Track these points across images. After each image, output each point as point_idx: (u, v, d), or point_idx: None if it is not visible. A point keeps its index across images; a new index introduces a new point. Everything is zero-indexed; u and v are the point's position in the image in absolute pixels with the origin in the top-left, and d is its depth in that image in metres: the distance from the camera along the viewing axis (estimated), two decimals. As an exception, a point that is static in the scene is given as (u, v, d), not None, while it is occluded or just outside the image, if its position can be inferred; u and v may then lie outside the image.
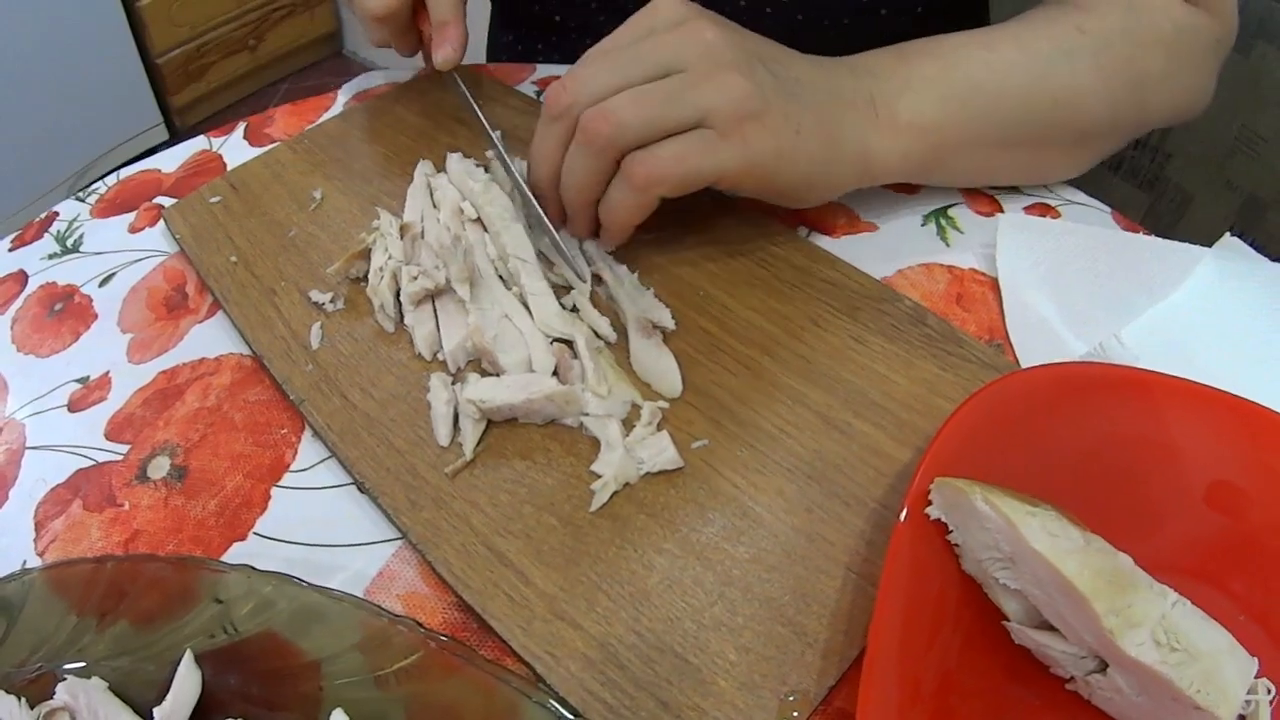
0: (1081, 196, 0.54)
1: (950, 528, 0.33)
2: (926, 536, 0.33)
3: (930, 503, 0.33)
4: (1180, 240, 0.49)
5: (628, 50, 0.45)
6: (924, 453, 0.34)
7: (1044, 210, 0.53)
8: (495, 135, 0.54)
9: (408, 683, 0.32)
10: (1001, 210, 0.53)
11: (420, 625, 0.34)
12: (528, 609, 0.35)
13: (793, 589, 0.35)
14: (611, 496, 0.39)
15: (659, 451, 0.39)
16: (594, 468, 0.40)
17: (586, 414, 0.41)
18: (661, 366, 0.43)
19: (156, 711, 0.32)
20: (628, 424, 0.41)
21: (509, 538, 0.38)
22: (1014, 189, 0.54)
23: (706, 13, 0.45)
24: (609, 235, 0.47)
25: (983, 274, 0.49)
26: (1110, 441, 0.37)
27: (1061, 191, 0.54)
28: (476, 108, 0.55)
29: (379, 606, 0.34)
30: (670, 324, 0.45)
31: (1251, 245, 0.50)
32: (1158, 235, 0.50)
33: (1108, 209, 0.53)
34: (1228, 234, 0.49)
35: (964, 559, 0.33)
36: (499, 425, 0.42)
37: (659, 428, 0.41)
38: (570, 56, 0.74)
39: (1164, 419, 0.37)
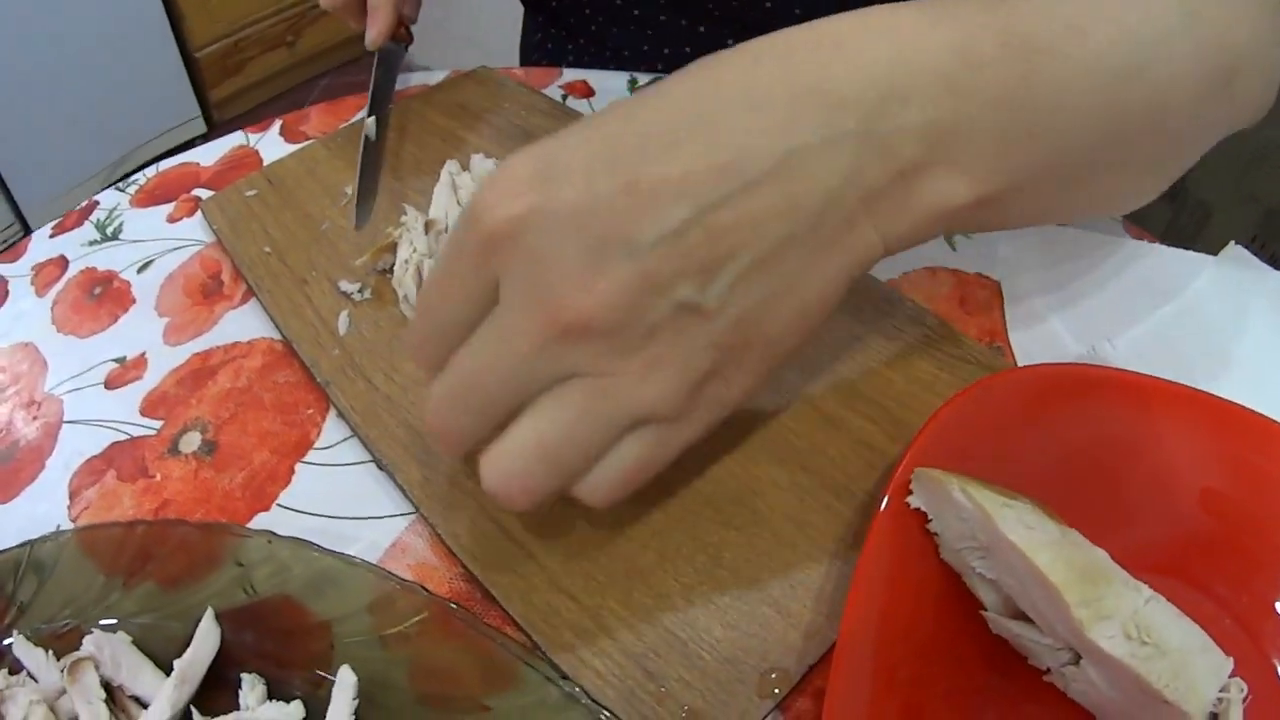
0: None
1: (930, 517, 0.35)
2: (907, 525, 0.35)
3: (911, 492, 0.35)
4: (1199, 253, 0.50)
5: (484, 350, 0.32)
6: (910, 442, 0.37)
7: (1053, 218, 0.55)
8: (370, 120, 0.62)
9: (412, 643, 0.35)
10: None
11: (426, 590, 0.37)
12: (528, 581, 0.38)
13: (780, 572, 0.38)
14: None
15: None
16: None
17: None
18: None
19: (177, 663, 0.36)
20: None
21: (515, 515, 0.41)
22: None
23: (573, 221, 0.29)
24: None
25: (987, 278, 0.51)
26: (1096, 441, 0.39)
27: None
28: (370, 103, 0.65)
29: (389, 572, 0.38)
30: None
31: (1272, 258, 0.52)
32: (1182, 247, 0.51)
33: (1119, 218, 0.55)
34: (1233, 243, 0.50)
35: (942, 548, 0.35)
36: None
37: None
38: (599, 56, 0.77)
39: (1151, 420, 0.39)
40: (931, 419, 0.38)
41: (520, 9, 0.89)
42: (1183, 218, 0.79)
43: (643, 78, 0.71)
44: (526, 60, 0.90)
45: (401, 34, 0.69)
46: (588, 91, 0.71)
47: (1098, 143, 0.34)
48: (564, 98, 0.70)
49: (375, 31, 0.66)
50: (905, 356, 0.45)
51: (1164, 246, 0.51)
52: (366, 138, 0.62)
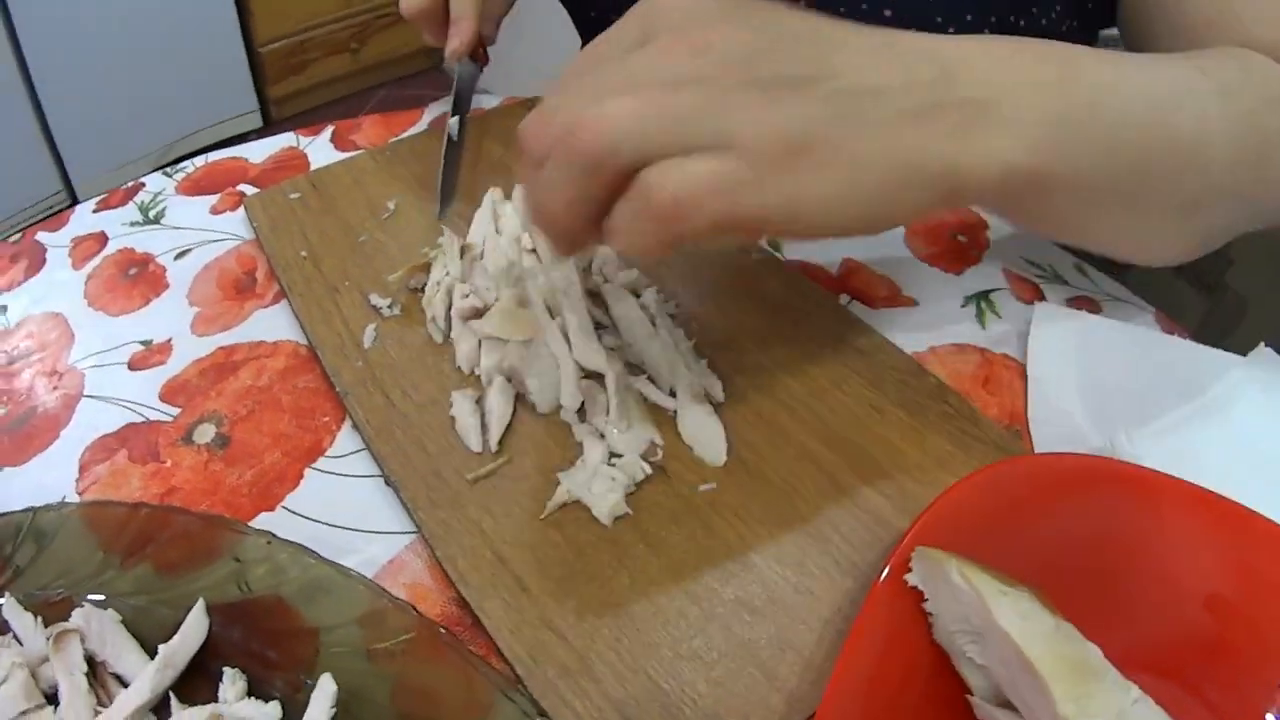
0: (1125, 293, 0.56)
1: (926, 596, 0.35)
2: (903, 601, 0.35)
3: (911, 569, 0.35)
4: (1233, 348, 0.50)
5: (619, 62, 0.36)
6: (915, 520, 0.37)
7: (1086, 304, 0.55)
8: (453, 120, 0.64)
9: (396, 661, 0.36)
10: (1043, 298, 0.55)
11: (417, 610, 0.37)
12: (519, 614, 0.38)
13: (771, 635, 0.38)
14: (562, 508, 0.43)
15: (604, 494, 0.42)
16: (560, 474, 0.44)
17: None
18: (709, 434, 0.46)
19: (162, 648, 0.36)
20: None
21: (514, 546, 0.41)
22: (1059, 279, 0.57)
23: (730, 8, 0.36)
24: (618, 247, 0.37)
25: (1013, 360, 0.51)
26: (1103, 535, 0.39)
27: (1105, 285, 0.57)
28: (453, 105, 0.66)
29: (382, 589, 0.38)
30: (720, 395, 0.47)
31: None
32: (1213, 341, 0.51)
33: (1151, 309, 0.55)
34: (1262, 344, 0.50)
35: (936, 628, 0.35)
36: (525, 445, 0.46)
37: (634, 481, 0.44)
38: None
39: (1161, 519, 0.39)
40: (939, 498, 0.38)
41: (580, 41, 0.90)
42: (1219, 310, 0.79)
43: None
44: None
45: (479, 53, 0.70)
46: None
47: (1123, 160, 0.39)
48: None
49: (457, 43, 0.66)
50: (922, 431, 0.46)
51: (1193, 343, 0.51)
52: (449, 137, 0.64)
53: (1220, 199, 0.43)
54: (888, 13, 0.61)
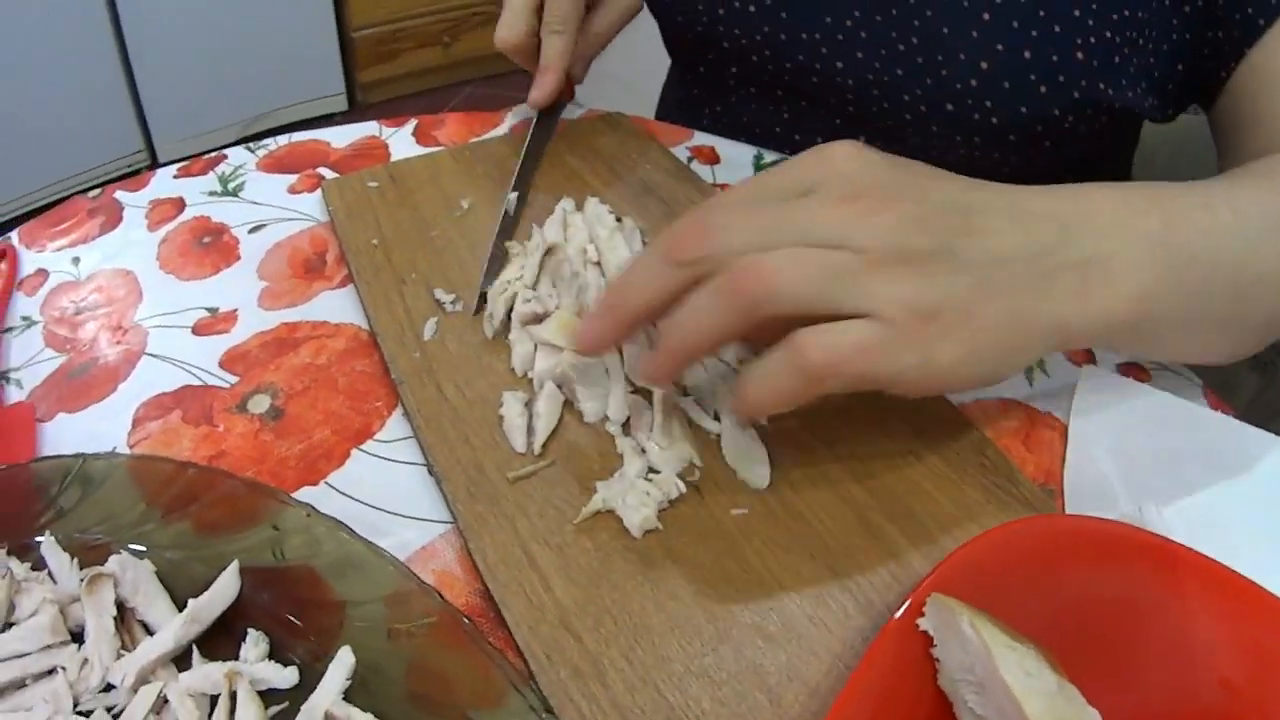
0: (1176, 364, 0.56)
1: (935, 641, 0.36)
2: (912, 644, 0.36)
3: (924, 614, 0.36)
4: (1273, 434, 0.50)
5: (781, 209, 0.40)
6: (935, 567, 0.38)
7: (1135, 371, 0.55)
8: (512, 196, 0.64)
9: (416, 642, 0.37)
10: (1094, 362, 0.55)
11: (441, 596, 0.39)
12: (540, 612, 0.40)
13: (782, 663, 0.39)
14: (595, 516, 0.44)
15: (637, 507, 0.43)
16: (597, 483, 0.45)
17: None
18: (753, 458, 0.47)
19: (192, 602, 0.38)
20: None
21: (544, 547, 0.43)
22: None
23: (888, 177, 0.41)
24: (744, 409, 0.41)
25: (1057, 419, 0.52)
26: (1120, 602, 0.39)
27: (1157, 356, 0.57)
28: (522, 156, 0.67)
29: (411, 571, 0.40)
30: (765, 421, 0.48)
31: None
32: (1262, 422, 0.51)
33: (1200, 383, 0.55)
34: None
35: (941, 674, 0.36)
36: (567, 451, 0.48)
37: (668, 498, 0.45)
38: (731, 125, 0.80)
39: (1181, 593, 0.39)
40: (963, 547, 0.38)
41: (667, 62, 0.92)
42: (1271, 390, 0.78)
43: (769, 155, 0.73)
44: (663, 114, 0.93)
45: (566, 92, 0.73)
46: (714, 158, 0.74)
47: (1217, 298, 0.44)
48: (690, 160, 0.73)
49: (540, 93, 0.69)
50: (957, 482, 0.46)
51: (1237, 421, 0.51)
52: (506, 212, 0.63)
53: None
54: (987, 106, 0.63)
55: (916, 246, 0.39)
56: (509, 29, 0.69)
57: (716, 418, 0.49)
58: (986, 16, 0.60)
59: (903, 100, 0.65)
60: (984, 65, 0.61)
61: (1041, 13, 0.59)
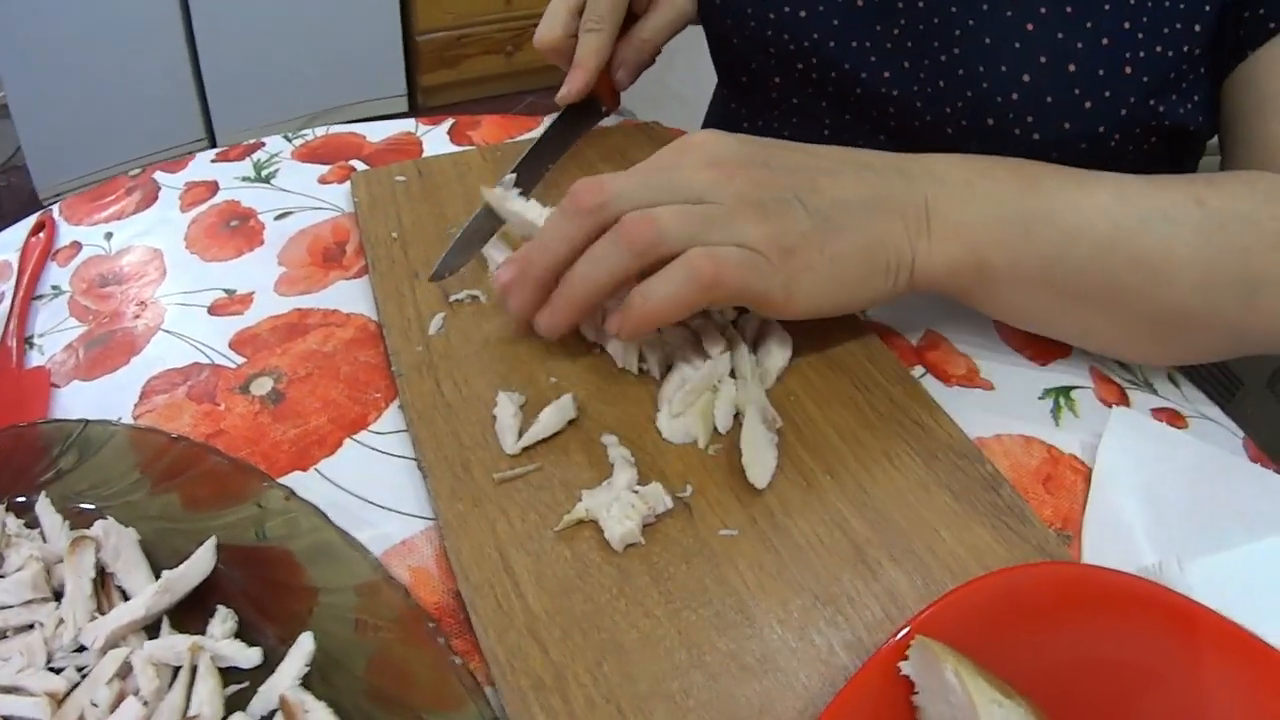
0: (1216, 413, 0.54)
1: (917, 688, 0.35)
2: (892, 688, 0.35)
3: (907, 658, 0.35)
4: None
5: (663, 174, 0.49)
6: (927, 606, 0.36)
7: (1172, 417, 0.53)
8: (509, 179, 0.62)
9: (379, 636, 0.37)
10: (1127, 403, 0.54)
11: (408, 593, 0.39)
12: (508, 618, 0.39)
13: (755, 694, 0.38)
14: (578, 524, 0.44)
15: (621, 519, 0.43)
16: (582, 491, 0.45)
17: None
18: (762, 457, 0.46)
19: (166, 573, 0.39)
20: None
21: (521, 552, 0.42)
22: (1149, 387, 0.55)
23: (741, 150, 0.50)
24: (631, 325, 0.47)
25: (1081, 462, 0.50)
26: (1125, 660, 0.37)
27: (1197, 403, 0.55)
28: (540, 147, 0.68)
29: (381, 564, 0.40)
30: (777, 426, 0.48)
31: None
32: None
33: (1240, 434, 0.53)
34: None
35: (920, 720, 0.35)
36: (558, 457, 0.47)
37: (654, 513, 0.44)
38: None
39: (1196, 655, 0.37)
40: (959, 588, 0.37)
41: (714, 77, 0.92)
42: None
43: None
44: (705, 127, 0.93)
45: (607, 99, 0.73)
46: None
47: (1075, 267, 0.49)
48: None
49: (568, 89, 0.69)
50: (965, 519, 0.45)
51: (1278, 476, 0.49)
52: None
53: (1191, 319, 0.50)
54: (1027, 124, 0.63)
55: (765, 198, 0.47)
56: (548, 28, 0.69)
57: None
58: (1030, 27, 0.58)
59: (944, 113, 0.63)
60: (1025, 78, 0.59)
61: (1088, 24, 0.57)
